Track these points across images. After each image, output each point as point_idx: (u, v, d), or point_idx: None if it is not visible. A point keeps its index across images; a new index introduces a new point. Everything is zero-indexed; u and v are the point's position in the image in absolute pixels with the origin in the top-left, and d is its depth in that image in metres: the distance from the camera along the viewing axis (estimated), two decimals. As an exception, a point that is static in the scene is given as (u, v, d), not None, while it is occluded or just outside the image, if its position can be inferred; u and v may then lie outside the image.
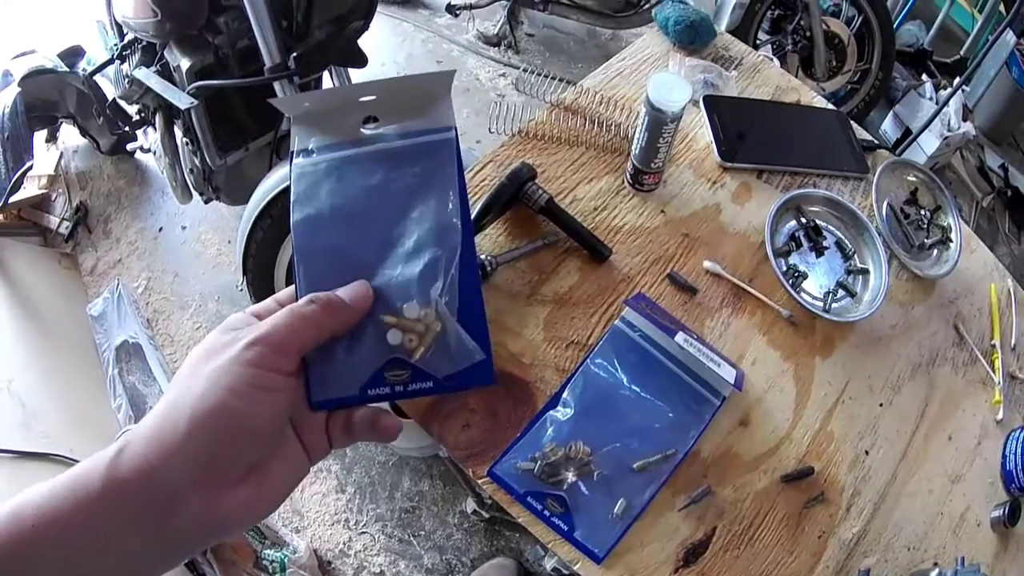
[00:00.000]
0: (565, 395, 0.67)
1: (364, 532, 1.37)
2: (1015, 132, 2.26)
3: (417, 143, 0.39)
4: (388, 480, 1.43)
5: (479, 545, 1.36)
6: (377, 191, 0.38)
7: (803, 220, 0.85)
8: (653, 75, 0.73)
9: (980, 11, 2.32)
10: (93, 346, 1.57)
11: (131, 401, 1.48)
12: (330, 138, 0.39)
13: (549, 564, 1.14)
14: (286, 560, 1.25)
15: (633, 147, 0.79)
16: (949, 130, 1.85)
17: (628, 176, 0.82)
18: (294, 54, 1.05)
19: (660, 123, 0.73)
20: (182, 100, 1.14)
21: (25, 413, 1.25)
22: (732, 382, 0.66)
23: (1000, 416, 0.80)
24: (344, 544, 1.36)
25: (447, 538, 1.37)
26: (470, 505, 1.33)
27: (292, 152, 0.39)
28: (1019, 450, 0.76)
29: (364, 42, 1.20)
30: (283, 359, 0.32)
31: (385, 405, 0.44)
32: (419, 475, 1.43)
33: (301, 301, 0.34)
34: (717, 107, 0.91)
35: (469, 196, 0.75)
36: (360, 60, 1.17)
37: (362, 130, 0.39)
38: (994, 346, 0.86)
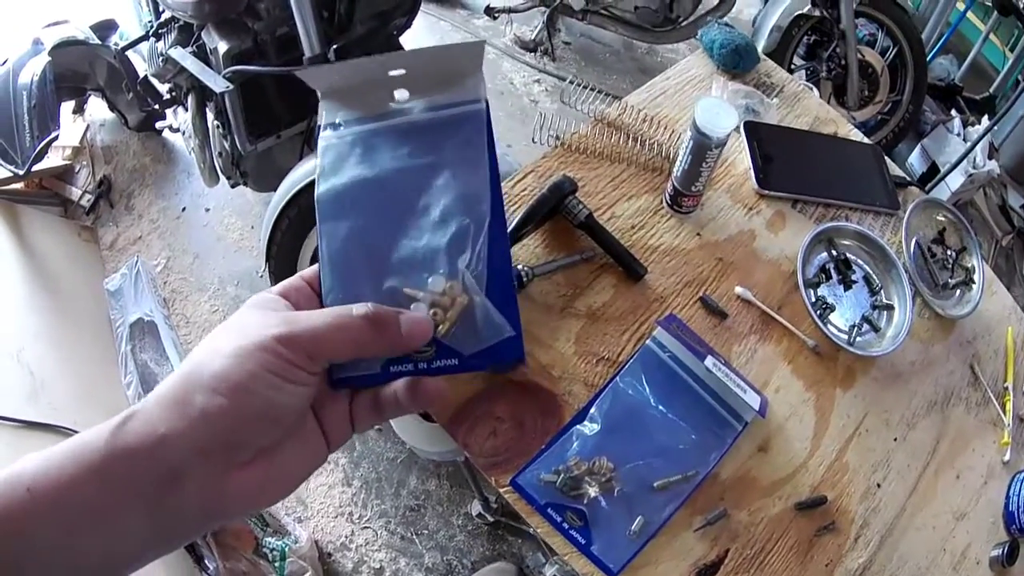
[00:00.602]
0: (592, 410, 0.67)
1: (367, 527, 1.37)
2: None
3: (447, 115, 0.38)
4: (395, 477, 1.42)
5: (481, 548, 1.36)
6: (405, 163, 0.37)
7: (834, 253, 0.85)
8: (701, 100, 0.73)
9: (1012, 50, 2.32)
10: (107, 321, 1.57)
11: (142, 379, 1.49)
12: (358, 111, 0.38)
13: (549, 572, 1.14)
14: (287, 549, 1.25)
15: (675, 169, 0.79)
16: (974, 167, 1.84)
17: (667, 197, 0.82)
18: (335, 46, 1.05)
19: (705, 148, 0.73)
20: (218, 83, 1.14)
21: (33, 383, 1.24)
22: (756, 408, 0.67)
23: (1007, 458, 0.81)
24: (346, 537, 1.36)
25: (450, 539, 1.37)
26: (475, 508, 1.33)
27: (319, 126, 0.38)
28: (1022, 492, 0.77)
29: (401, 38, 1.21)
30: (310, 363, 0.30)
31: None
32: (427, 474, 1.43)
33: (356, 311, 0.31)
34: (757, 133, 0.91)
35: (510, 206, 0.76)
36: (400, 57, 1.17)
37: (391, 104, 0.38)
38: (1007, 388, 0.86)
